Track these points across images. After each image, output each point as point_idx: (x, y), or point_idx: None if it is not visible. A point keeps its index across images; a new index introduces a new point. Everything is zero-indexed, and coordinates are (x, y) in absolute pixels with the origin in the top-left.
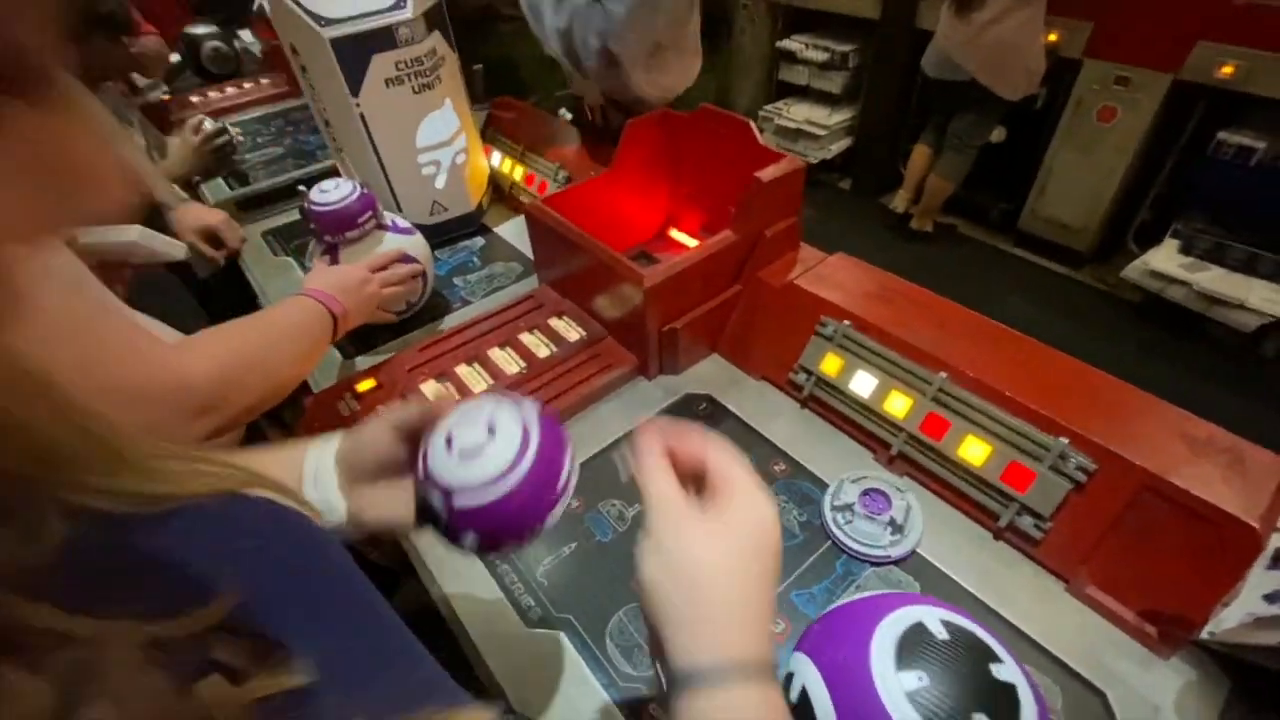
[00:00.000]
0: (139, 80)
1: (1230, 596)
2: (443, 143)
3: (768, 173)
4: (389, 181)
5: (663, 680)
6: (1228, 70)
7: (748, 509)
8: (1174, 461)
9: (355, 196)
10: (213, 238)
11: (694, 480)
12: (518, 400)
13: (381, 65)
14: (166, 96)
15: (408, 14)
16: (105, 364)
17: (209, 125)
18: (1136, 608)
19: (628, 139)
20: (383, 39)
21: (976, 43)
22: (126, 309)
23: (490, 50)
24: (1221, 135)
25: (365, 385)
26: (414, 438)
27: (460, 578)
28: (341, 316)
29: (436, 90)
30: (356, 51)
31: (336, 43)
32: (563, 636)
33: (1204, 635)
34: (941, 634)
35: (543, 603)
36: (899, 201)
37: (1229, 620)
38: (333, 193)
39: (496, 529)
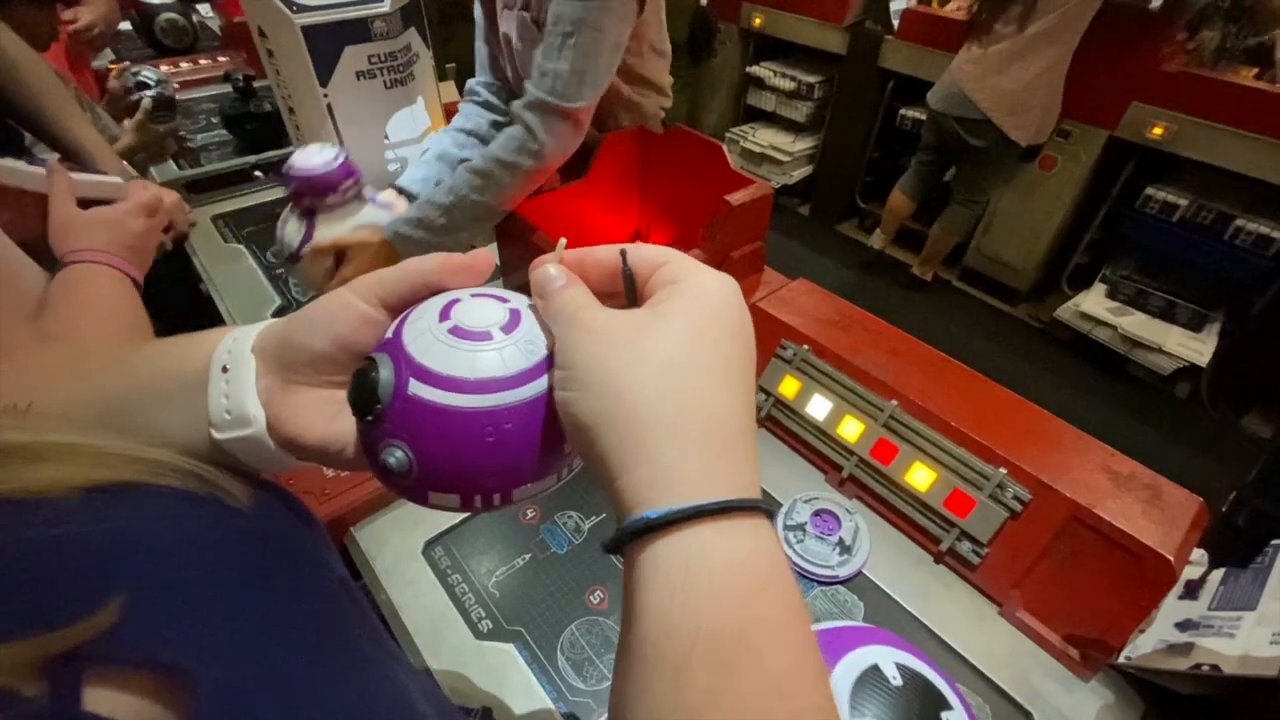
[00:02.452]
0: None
1: (1146, 624)
2: (411, 140)
3: (737, 197)
4: None
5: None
6: (1158, 131)
7: (688, 286)
8: (1100, 495)
9: (339, 162)
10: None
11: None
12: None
13: (354, 57)
14: (113, 65)
15: (384, 8)
16: None
17: (146, 101)
18: (1062, 632)
19: (604, 152)
20: (357, 31)
21: (995, 77)
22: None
23: (460, 50)
24: (1149, 190)
25: None
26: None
27: (409, 585)
28: (136, 275)
29: (409, 87)
30: (329, 41)
31: (308, 30)
32: (513, 649)
33: (1122, 659)
34: (895, 679)
35: (494, 614)
36: (877, 240)
37: (1144, 646)
38: (316, 156)
39: (451, 453)
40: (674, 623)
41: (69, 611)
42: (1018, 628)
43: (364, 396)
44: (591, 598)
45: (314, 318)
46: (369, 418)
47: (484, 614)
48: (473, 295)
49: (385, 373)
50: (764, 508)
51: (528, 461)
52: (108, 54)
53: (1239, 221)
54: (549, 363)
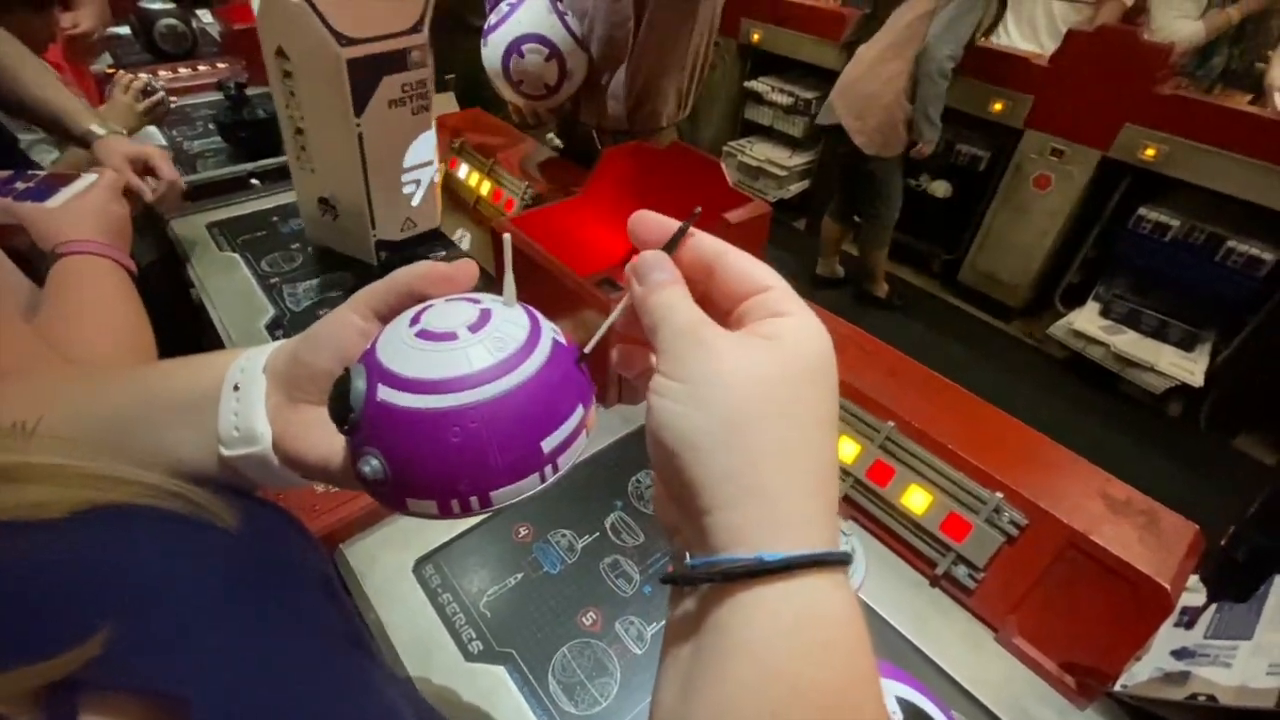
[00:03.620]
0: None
1: (1142, 652)
2: (425, 162)
3: (735, 215)
4: (370, 199)
5: (691, 568)
6: (1150, 152)
7: (799, 324)
8: (1096, 521)
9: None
10: (145, 170)
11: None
12: (538, 316)
13: (389, 87)
14: (111, 70)
15: (423, 38)
16: None
17: (137, 82)
18: (1058, 659)
19: (602, 166)
20: (396, 61)
21: (852, 86)
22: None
23: (456, 61)
24: (1142, 211)
25: None
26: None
27: (398, 604)
28: (124, 261)
29: (429, 113)
30: (369, 72)
31: (353, 63)
32: (504, 671)
33: (1117, 688)
34: (896, 714)
35: (484, 635)
36: (824, 269)
37: (1140, 674)
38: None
39: (419, 456)
40: (776, 669)
41: (58, 640)
42: (1013, 654)
43: (339, 406)
44: (584, 619)
45: (317, 335)
46: (346, 428)
47: (474, 635)
48: (448, 300)
49: (359, 381)
50: (847, 560)
51: (500, 461)
52: (106, 58)
53: (1230, 243)
54: (522, 356)
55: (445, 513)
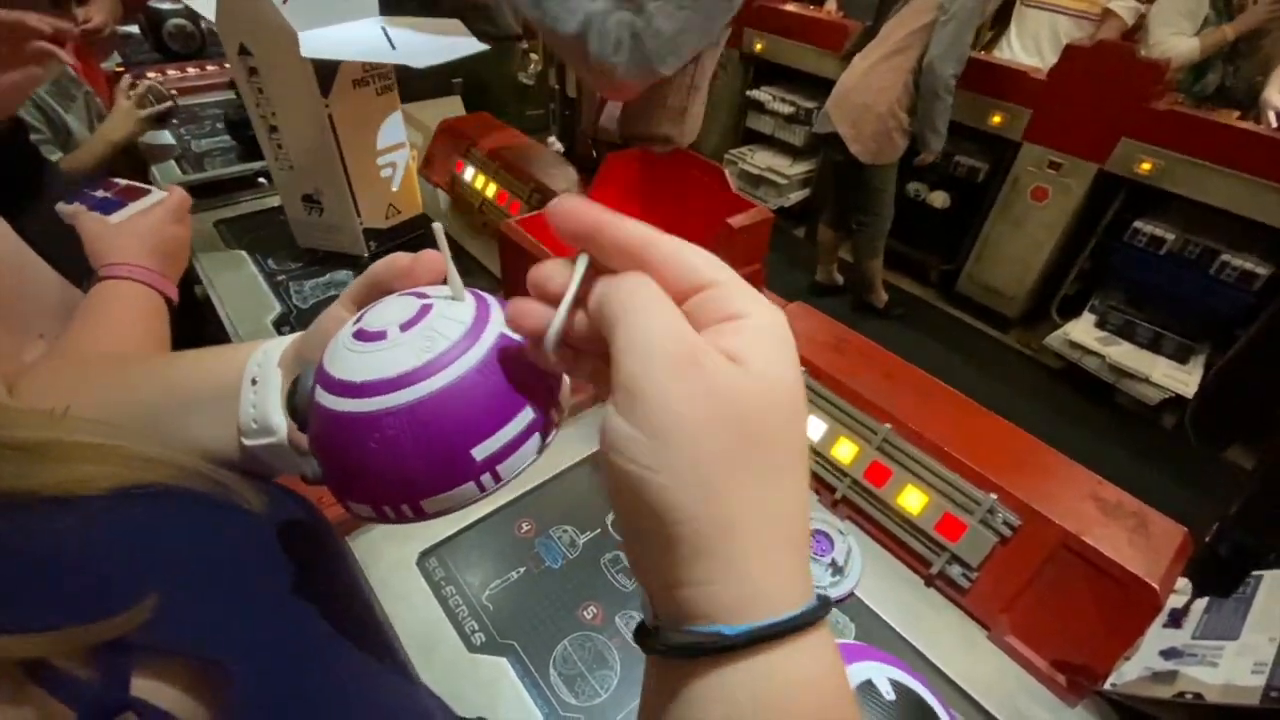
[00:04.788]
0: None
1: (1131, 651)
2: (398, 144)
3: (738, 220)
4: (350, 185)
5: (658, 621)
6: (1146, 166)
7: (763, 329)
8: (1088, 522)
9: None
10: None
11: None
12: (492, 310)
13: (351, 66)
14: (119, 68)
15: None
16: None
17: (139, 87)
18: (1049, 657)
19: (606, 171)
20: None
21: (848, 95)
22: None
23: (462, 65)
24: (1138, 224)
25: None
26: None
27: (402, 596)
28: (169, 290)
29: (394, 93)
30: None
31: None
32: (505, 663)
33: (1107, 686)
34: (889, 694)
35: (486, 627)
36: (822, 275)
37: (1129, 673)
38: None
39: (346, 461)
40: None
41: (109, 603)
42: (1006, 652)
43: (289, 405)
44: (585, 613)
45: (314, 331)
46: (300, 429)
47: (477, 627)
48: (399, 295)
49: (306, 381)
50: (826, 606)
51: (424, 470)
52: (115, 56)
53: (1224, 256)
54: (452, 356)
55: (382, 518)
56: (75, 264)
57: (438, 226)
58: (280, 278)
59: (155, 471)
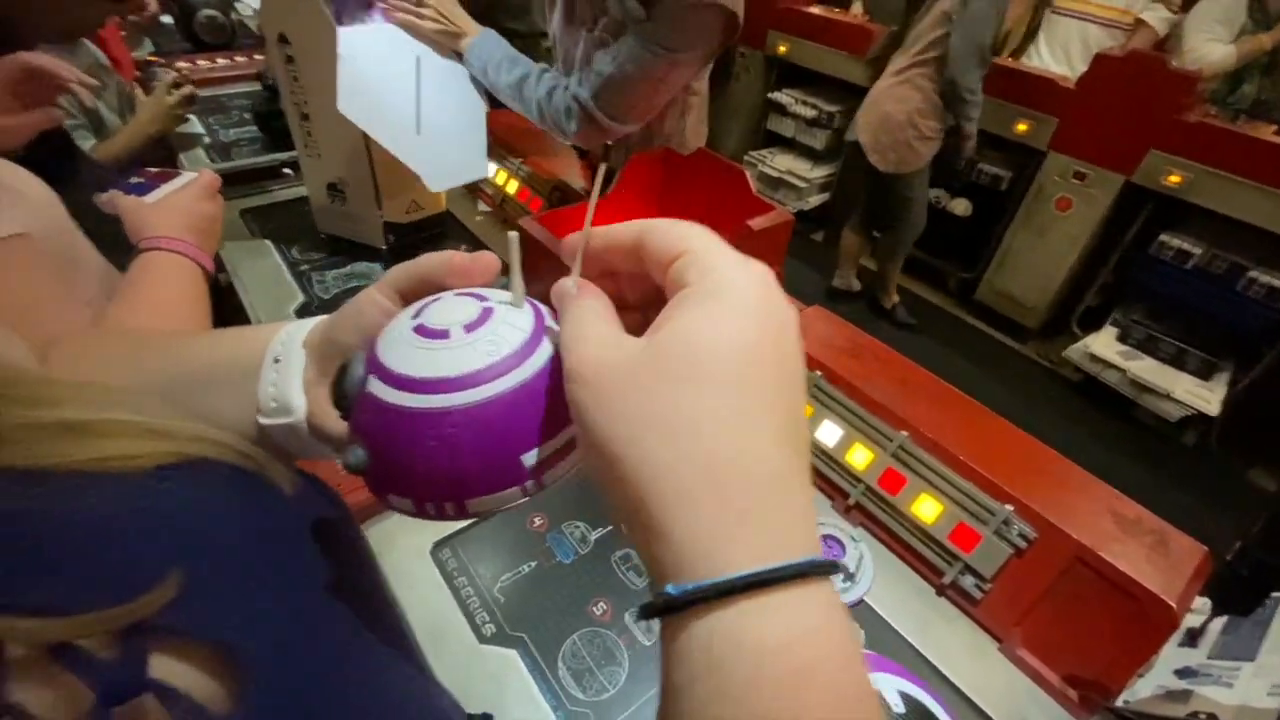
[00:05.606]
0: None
1: (1146, 669)
2: None
3: (758, 221)
4: (375, 177)
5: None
6: (1175, 179)
7: (704, 290)
8: (1105, 538)
9: None
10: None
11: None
12: (547, 320)
13: None
14: (152, 57)
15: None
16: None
17: (185, 89)
18: (1061, 672)
19: (629, 171)
20: None
21: (875, 105)
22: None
23: None
24: (1164, 237)
25: None
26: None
27: (415, 586)
28: (207, 264)
29: None
30: None
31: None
32: (515, 655)
33: (1120, 703)
34: (898, 706)
35: (498, 619)
36: (840, 281)
37: (1143, 691)
38: None
39: (398, 455)
40: (696, 712)
41: (134, 584)
42: (1017, 665)
43: (338, 391)
44: (595, 609)
45: (348, 314)
46: (343, 415)
47: (488, 618)
48: (457, 294)
49: (356, 369)
50: (806, 571)
51: (476, 470)
52: (147, 45)
53: (1252, 273)
54: (513, 363)
55: (422, 514)
56: (107, 249)
57: (514, 235)
58: (303, 267)
59: (197, 446)
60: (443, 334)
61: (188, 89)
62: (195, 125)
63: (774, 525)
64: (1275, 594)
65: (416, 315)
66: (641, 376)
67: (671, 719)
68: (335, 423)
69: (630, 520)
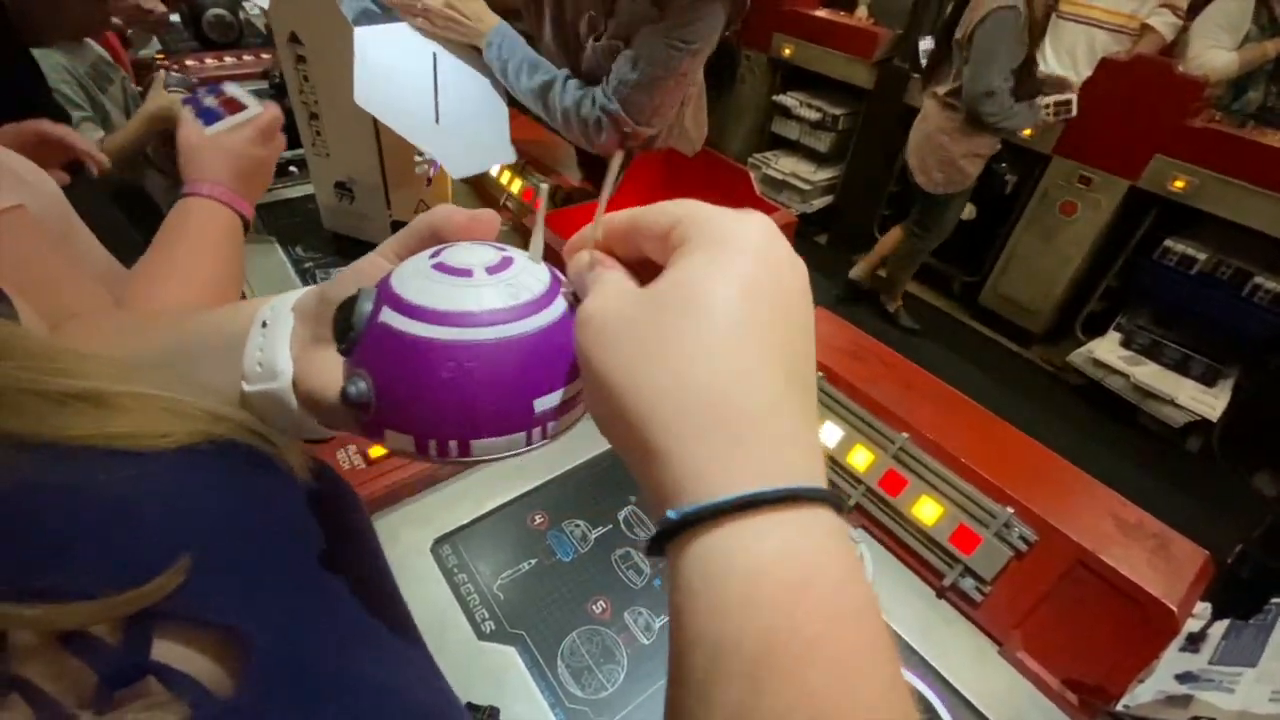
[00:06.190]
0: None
1: (1146, 673)
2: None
3: None
4: (385, 178)
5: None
6: (1180, 184)
7: (696, 245)
8: (1106, 541)
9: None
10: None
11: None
12: (561, 278)
13: None
14: (160, 55)
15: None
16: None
17: (177, 87)
18: (1061, 675)
19: (634, 171)
20: None
21: (922, 124)
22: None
23: None
24: (1169, 242)
25: (380, 450)
26: None
27: (415, 582)
28: (246, 210)
29: None
30: None
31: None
32: (514, 652)
33: (1120, 707)
34: None
35: (497, 616)
36: (859, 272)
37: (1143, 695)
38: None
39: (409, 384)
40: (694, 635)
41: (145, 568)
42: (1017, 668)
43: (342, 323)
44: (594, 607)
45: (345, 276)
46: (342, 346)
47: (487, 615)
48: (474, 243)
49: (365, 302)
50: (801, 495)
51: (489, 409)
52: (154, 44)
53: (1257, 279)
54: (533, 308)
55: (421, 452)
56: (110, 244)
57: (545, 186)
58: (307, 265)
59: (220, 426)
60: (465, 272)
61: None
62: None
63: (769, 451)
64: (1276, 599)
65: (435, 255)
66: (641, 314)
67: (676, 643)
68: (326, 386)
69: (630, 450)
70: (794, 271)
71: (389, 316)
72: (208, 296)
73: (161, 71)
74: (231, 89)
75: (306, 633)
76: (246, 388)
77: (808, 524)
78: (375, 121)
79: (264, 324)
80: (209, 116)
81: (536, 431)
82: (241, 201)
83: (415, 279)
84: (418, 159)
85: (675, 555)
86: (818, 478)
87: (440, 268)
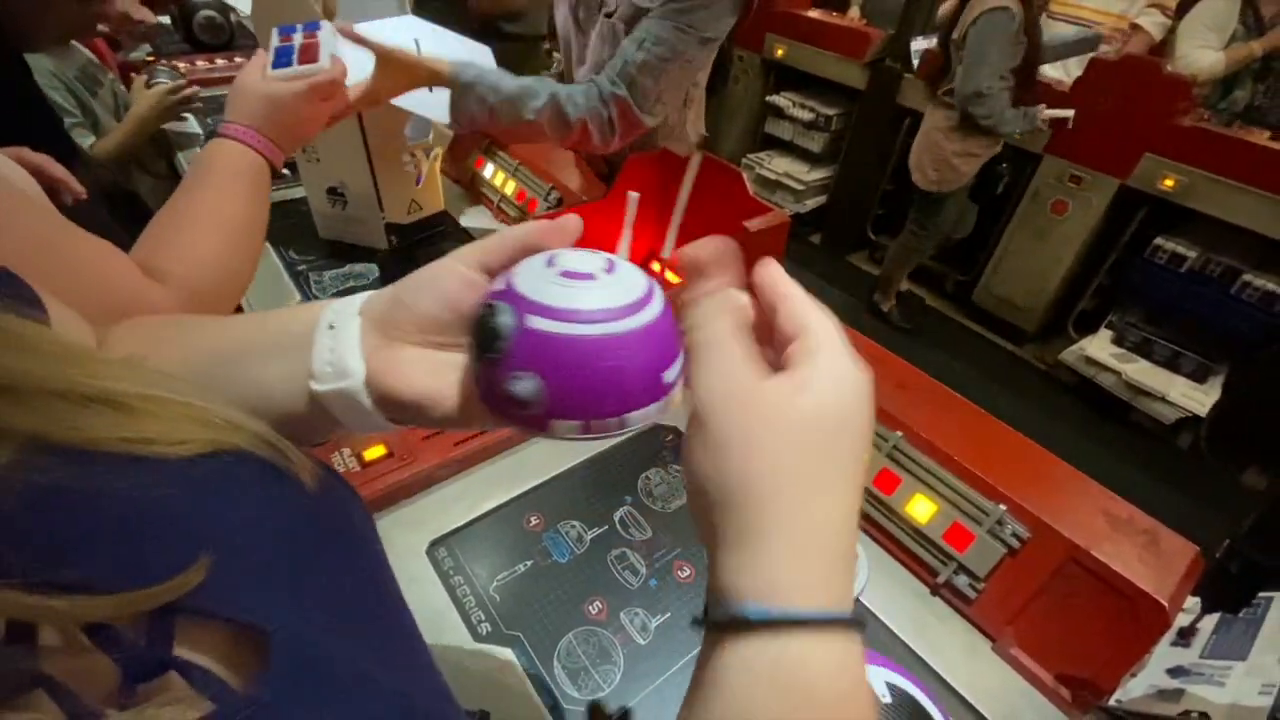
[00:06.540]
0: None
1: (1138, 667)
2: (424, 141)
3: (755, 223)
4: (375, 180)
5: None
6: (1169, 183)
7: (832, 370)
8: (1097, 537)
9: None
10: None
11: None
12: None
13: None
14: (150, 58)
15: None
16: (76, 291)
17: (162, 79)
18: (1054, 671)
19: (627, 171)
20: None
21: (922, 124)
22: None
23: None
24: (1159, 240)
25: (374, 452)
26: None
27: (411, 584)
28: (274, 156)
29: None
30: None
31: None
32: (510, 653)
33: (1112, 702)
34: (885, 696)
35: (493, 618)
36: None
37: (1135, 690)
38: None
39: (576, 378)
40: (751, 710)
41: (165, 566)
42: (1010, 664)
43: (489, 334)
44: (590, 608)
45: (422, 281)
46: (492, 354)
47: (484, 617)
48: (568, 250)
49: (506, 312)
50: (857, 624)
51: (638, 385)
52: (145, 46)
53: (1246, 276)
54: (646, 299)
55: (586, 432)
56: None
57: (633, 196)
58: (301, 268)
59: (235, 436)
60: (588, 276)
61: (190, 90)
62: (194, 125)
63: (845, 580)
64: (1263, 593)
65: (552, 264)
66: (796, 411)
67: (713, 711)
68: (408, 385)
69: (724, 524)
70: (870, 414)
71: (540, 324)
72: (229, 237)
73: (143, 75)
74: (326, 33)
75: (322, 634)
76: (317, 387)
77: (854, 646)
78: (362, 124)
79: (330, 326)
80: (282, 57)
81: (665, 399)
82: (272, 148)
83: (549, 288)
84: (406, 158)
85: (742, 639)
86: (852, 600)
87: (567, 275)
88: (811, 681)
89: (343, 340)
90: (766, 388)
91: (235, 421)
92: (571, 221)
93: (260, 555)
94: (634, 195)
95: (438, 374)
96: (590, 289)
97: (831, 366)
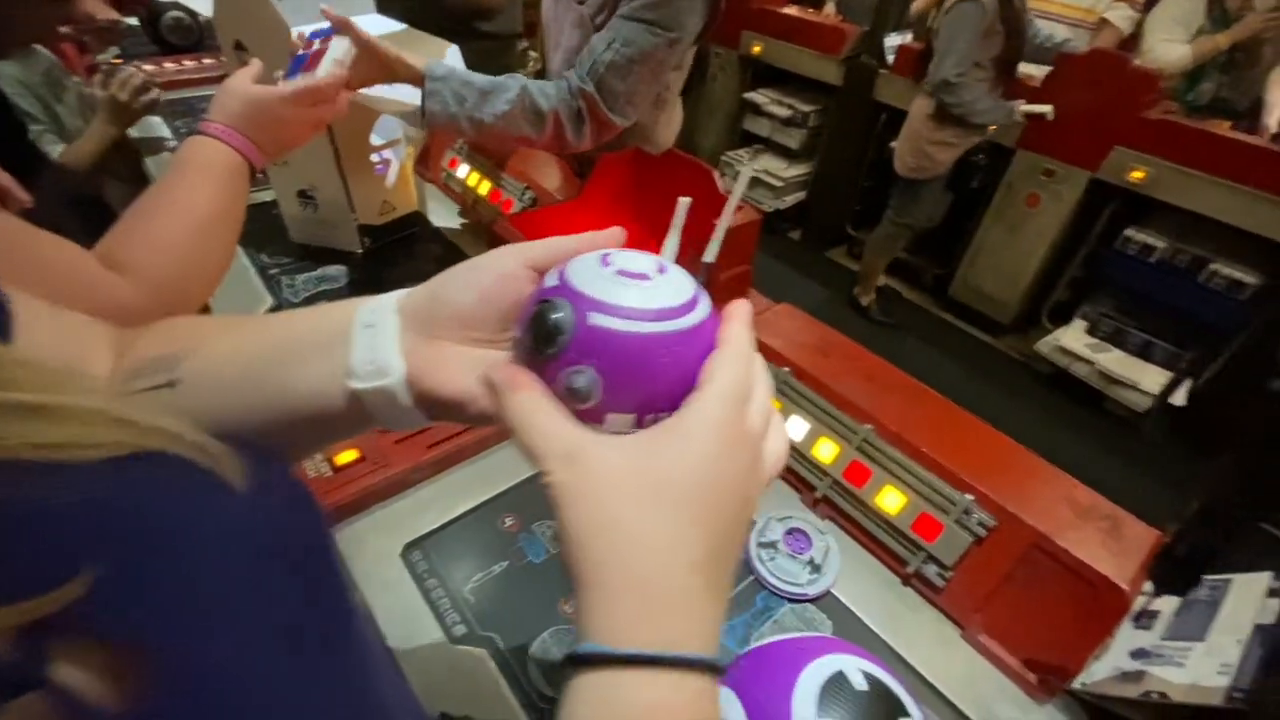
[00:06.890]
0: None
1: (1101, 650)
2: (394, 140)
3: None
4: (345, 181)
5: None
6: (1138, 175)
7: (695, 426)
8: (1061, 525)
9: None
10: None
11: None
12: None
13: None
14: (117, 60)
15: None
16: (40, 285)
17: (129, 77)
18: (1020, 656)
19: (600, 171)
20: None
21: (910, 113)
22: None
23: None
24: (1129, 232)
25: (346, 456)
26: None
27: (385, 588)
28: (253, 156)
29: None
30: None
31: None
32: (485, 654)
33: (1077, 685)
34: (861, 685)
35: (468, 619)
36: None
37: (1099, 672)
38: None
39: (635, 374)
40: None
41: (39, 582)
42: (978, 650)
43: (549, 330)
44: (567, 606)
45: (462, 277)
46: (551, 350)
47: (458, 618)
48: (624, 251)
49: (564, 308)
50: (681, 661)
51: (689, 380)
52: (114, 49)
53: (1213, 265)
54: (697, 298)
55: (638, 425)
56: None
57: (684, 201)
58: (273, 271)
59: (153, 439)
60: (643, 276)
61: (153, 94)
62: (162, 129)
63: (681, 622)
64: (1220, 576)
65: (606, 264)
66: (643, 460)
67: None
68: (449, 381)
69: (571, 571)
70: (742, 451)
71: (601, 320)
72: (194, 227)
73: (99, 77)
74: (338, 49)
75: (232, 654)
76: (357, 385)
77: (680, 684)
78: (329, 126)
79: (368, 325)
80: (296, 65)
81: None
82: (250, 146)
83: (609, 286)
84: (375, 159)
85: (578, 675)
86: (710, 646)
87: (624, 274)
88: (639, 714)
89: (382, 338)
90: (608, 445)
91: (154, 424)
92: (619, 233)
93: (161, 566)
94: (685, 200)
95: (476, 371)
96: (646, 288)
97: (696, 425)
